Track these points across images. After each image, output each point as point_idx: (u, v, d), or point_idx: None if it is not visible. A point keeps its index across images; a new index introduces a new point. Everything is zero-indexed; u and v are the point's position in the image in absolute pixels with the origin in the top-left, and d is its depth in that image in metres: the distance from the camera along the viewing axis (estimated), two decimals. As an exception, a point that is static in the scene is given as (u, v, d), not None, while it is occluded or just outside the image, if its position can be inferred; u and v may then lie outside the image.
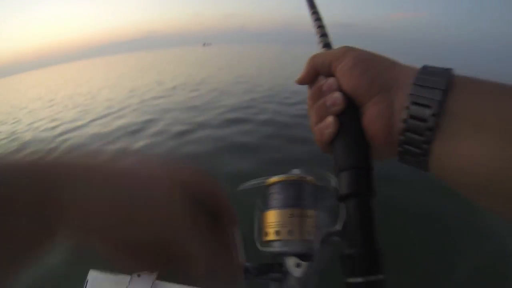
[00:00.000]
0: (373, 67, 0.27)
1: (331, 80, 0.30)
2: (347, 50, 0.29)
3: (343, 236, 0.26)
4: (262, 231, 0.32)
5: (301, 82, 0.34)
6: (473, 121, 0.21)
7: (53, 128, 5.13)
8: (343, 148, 0.28)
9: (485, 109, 0.21)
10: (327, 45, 0.39)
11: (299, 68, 0.34)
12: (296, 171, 0.34)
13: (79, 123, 5.10)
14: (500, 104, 0.20)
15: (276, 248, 0.31)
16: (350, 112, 0.28)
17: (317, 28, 0.43)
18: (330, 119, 0.28)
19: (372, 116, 0.27)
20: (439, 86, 0.22)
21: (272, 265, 0.31)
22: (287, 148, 2.97)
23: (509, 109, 0.20)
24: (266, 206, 0.33)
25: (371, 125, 0.27)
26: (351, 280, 0.22)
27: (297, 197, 0.32)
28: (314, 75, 0.33)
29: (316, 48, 0.40)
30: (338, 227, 0.26)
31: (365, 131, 0.27)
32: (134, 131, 4.01)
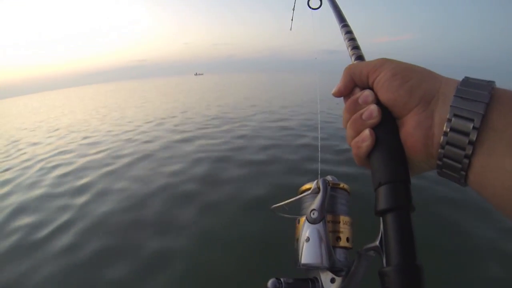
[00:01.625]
0: (412, 78, 0.27)
1: (367, 92, 0.30)
2: (385, 61, 0.29)
3: (380, 251, 0.25)
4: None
5: (339, 94, 0.33)
6: None
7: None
8: (380, 161, 0.27)
9: None
10: (359, 57, 0.38)
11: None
12: (329, 178, 0.33)
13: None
14: None
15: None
16: (387, 125, 0.28)
17: (348, 40, 0.43)
18: (366, 132, 0.28)
19: (411, 128, 0.26)
20: (482, 99, 0.22)
21: (306, 280, 0.31)
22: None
23: None
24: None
25: (409, 137, 0.26)
26: None
27: (331, 203, 0.31)
28: (351, 86, 0.32)
29: (348, 61, 0.40)
30: (376, 242, 0.26)
31: (403, 144, 0.27)
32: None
